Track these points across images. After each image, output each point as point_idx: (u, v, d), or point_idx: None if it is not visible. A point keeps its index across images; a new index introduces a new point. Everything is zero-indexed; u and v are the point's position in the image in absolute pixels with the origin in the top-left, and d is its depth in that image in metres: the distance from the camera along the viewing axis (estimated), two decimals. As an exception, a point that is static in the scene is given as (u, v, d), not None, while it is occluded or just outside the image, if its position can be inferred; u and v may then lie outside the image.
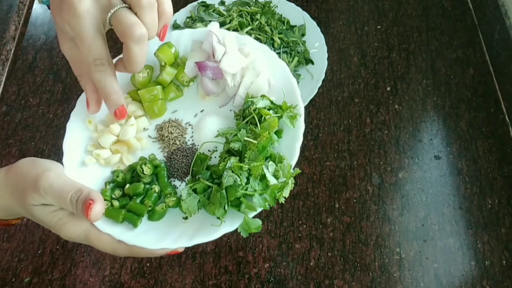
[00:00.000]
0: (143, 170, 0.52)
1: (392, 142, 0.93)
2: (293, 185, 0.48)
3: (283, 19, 0.99)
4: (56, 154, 0.92)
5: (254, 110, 0.52)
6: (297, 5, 1.01)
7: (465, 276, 0.79)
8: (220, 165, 0.49)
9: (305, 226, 0.84)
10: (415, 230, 0.83)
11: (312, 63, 0.94)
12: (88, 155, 0.54)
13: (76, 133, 0.54)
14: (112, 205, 0.50)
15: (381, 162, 0.90)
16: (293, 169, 0.49)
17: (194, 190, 0.50)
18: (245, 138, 0.49)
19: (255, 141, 0.49)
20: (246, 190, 0.47)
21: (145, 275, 0.80)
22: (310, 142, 0.93)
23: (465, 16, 1.10)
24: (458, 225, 0.84)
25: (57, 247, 0.84)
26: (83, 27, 0.43)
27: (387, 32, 1.08)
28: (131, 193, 0.51)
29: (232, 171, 0.47)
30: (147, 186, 0.52)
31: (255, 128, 0.51)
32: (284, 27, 0.97)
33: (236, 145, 0.50)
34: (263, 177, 0.48)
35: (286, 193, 0.48)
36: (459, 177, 0.89)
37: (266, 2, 1.00)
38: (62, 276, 0.81)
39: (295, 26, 0.99)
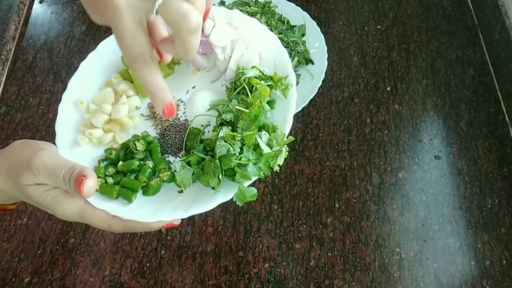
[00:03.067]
0: (136, 146, 0.52)
1: (392, 142, 0.93)
2: (287, 153, 0.48)
3: (283, 19, 0.99)
4: (56, 154, 0.93)
5: (244, 80, 0.51)
6: (297, 5, 1.01)
7: (465, 276, 0.79)
8: (213, 134, 0.49)
9: (305, 226, 0.84)
10: (415, 230, 0.83)
11: (312, 63, 0.94)
12: (80, 135, 0.54)
13: (68, 114, 0.54)
14: (106, 182, 0.50)
15: (381, 162, 0.90)
16: (287, 137, 0.49)
17: (188, 163, 0.50)
18: (237, 107, 0.49)
19: (246, 110, 0.49)
20: (240, 160, 0.47)
21: (145, 275, 0.80)
22: (310, 142, 0.93)
23: (465, 16, 1.10)
24: (458, 225, 0.84)
25: (57, 247, 0.84)
26: (123, 23, 0.38)
27: (387, 32, 1.08)
28: (125, 170, 0.51)
29: (225, 141, 0.47)
30: (141, 162, 0.52)
31: (246, 98, 0.50)
32: (284, 27, 0.97)
33: (228, 116, 0.50)
34: (256, 147, 0.48)
35: (280, 161, 0.48)
36: (459, 177, 0.89)
37: (266, 2, 1.00)
38: (62, 276, 0.81)
39: (295, 26, 0.98)
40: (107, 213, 0.47)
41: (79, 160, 0.49)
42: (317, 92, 0.91)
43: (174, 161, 0.53)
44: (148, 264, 0.81)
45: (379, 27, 1.09)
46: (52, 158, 0.46)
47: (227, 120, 0.50)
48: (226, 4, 1.02)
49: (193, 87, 0.58)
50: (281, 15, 1.00)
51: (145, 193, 0.50)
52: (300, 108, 0.87)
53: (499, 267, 0.80)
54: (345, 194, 0.87)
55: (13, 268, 0.82)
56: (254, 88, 0.51)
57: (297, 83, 0.91)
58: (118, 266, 0.81)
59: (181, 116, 0.56)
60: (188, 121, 0.56)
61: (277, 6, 1.00)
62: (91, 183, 0.44)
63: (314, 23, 0.98)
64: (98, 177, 0.49)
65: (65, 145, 0.51)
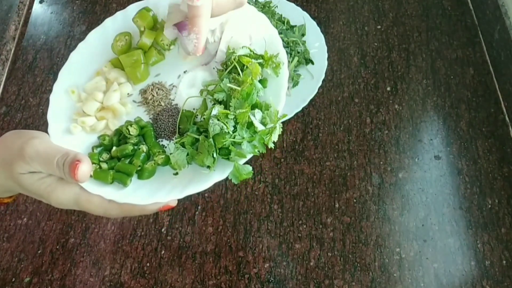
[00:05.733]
0: (129, 131, 0.52)
1: (392, 142, 0.93)
2: (281, 130, 0.49)
3: (283, 19, 0.99)
4: (56, 154, 0.93)
5: (235, 58, 0.52)
6: (297, 5, 1.01)
7: (465, 276, 0.79)
8: (206, 113, 0.49)
9: (305, 226, 0.84)
10: (415, 230, 0.83)
11: (312, 63, 0.94)
12: (73, 123, 0.54)
13: (60, 103, 0.55)
14: (100, 167, 0.50)
15: (381, 162, 0.90)
16: (280, 115, 0.49)
17: (182, 144, 0.50)
18: (228, 85, 0.50)
19: (238, 88, 0.49)
20: (234, 138, 0.47)
21: (145, 275, 0.80)
22: (310, 142, 0.93)
23: (465, 16, 1.10)
24: (458, 225, 0.84)
25: (57, 247, 0.84)
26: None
27: (387, 32, 1.08)
28: (119, 155, 0.51)
29: (218, 119, 0.47)
30: (135, 147, 0.52)
31: (237, 76, 0.51)
32: (284, 27, 0.97)
33: (220, 96, 0.50)
34: (250, 125, 0.48)
35: (274, 137, 0.48)
36: (459, 177, 0.89)
37: (266, 2, 1.00)
38: (62, 276, 0.81)
39: (295, 26, 0.98)
40: (102, 198, 0.47)
41: (73, 147, 0.49)
42: (317, 92, 0.91)
43: (168, 145, 0.53)
44: (148, 264, 0.81)
45: (379, 27, 1.09)
46: (45, 146, 0.46)
47: (219, 100, 0.51)
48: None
49: (184, 72, 0.58)
50: (281, 15, 0.99)
51: (140, 177, 0.50)
52: (300, 108, 0.87)
53: (499, 267, 0.80)
54: (345, 194, 0.87)
55: (13, 268, 0.82)
56: (245, 67, 0.52)
57: (297, 83, 0.91)
58: (118, 266, 0.81)
59: (173, 100, 0.57)
60: (177, 104, 0.56)
61: (277, 6, 1.00)
62: (86, 167, 0.44)
63: (314, 23, 0.98)
64: (93, 163, 0.49)
65: (57, 134, 0.51)
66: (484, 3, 1.07)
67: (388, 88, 1.00)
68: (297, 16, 0.99)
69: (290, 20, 1.00)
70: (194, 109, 0.55)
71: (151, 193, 0.47)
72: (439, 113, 0.97)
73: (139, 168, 0.50)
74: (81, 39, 0.58)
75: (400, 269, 0.80)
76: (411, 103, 0.98)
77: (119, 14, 0.59)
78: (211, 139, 0.47)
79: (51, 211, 0.87)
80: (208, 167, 0.47)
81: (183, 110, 0.54)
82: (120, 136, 0.53)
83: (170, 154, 0.49)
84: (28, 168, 0.45)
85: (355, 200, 0.86)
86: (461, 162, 0.90)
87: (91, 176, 0.48)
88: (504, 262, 0.80)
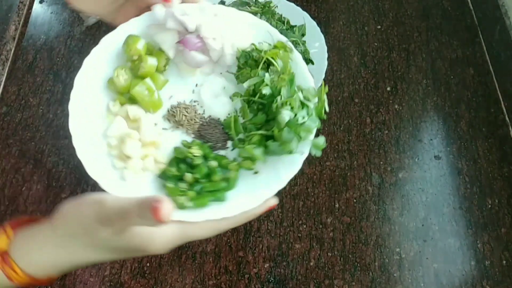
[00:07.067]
0: (193, 153, 0.51)
1: (392, 142, 0.93)
2: (325, 96, 0.53)
3: (283, 19, 0.99)
4: (56, 154, 0.92)
5: (264, 52, 0.54)
6: (297, 5, 1.01)
7: (465, 276, 0.79)
8: (273, 105, 0.52)
9: (305, 226, 0.84)
10: (415, 230, 0.83)
11: (312, 63, 0.94)
12: (118, 171, 0.51)
13: (92, 157, 0.50)
14: (189, 196, 0.49)
15: (381, 162, 0.90)
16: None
17: (256, 142, 0.52)
18: (271, 77, 0.53)
19: (285, 77, 0.52)
20: (297, 120, 0.51)
21: (145, 275, 0.80)
22: (310, 142, 0.93)
23: (465, 16, 1.10)
24: (458, 225, 0.84)
25: (57, 247, 0.84)
26: None
27: (387, 32, 1.08)
28: (198, 177, 0.50)
29: (290, 108, 0.51)
30: (206, 165, 0.51)
31: (274, 68, 0.54)
32: (284, 27, 0.97)
33: (266, 91, 0.53)
34: (303, 105, 0.52)
35: (326, 106, 0.53)
36: (459, 177, 0.89)
37: (266, 2, 1.00)
38: (62, 276, 0.81)
39: (295, 26, 0.98)
40: (211, 221, 0.46)
41: (136, 192, 0.48)
42: (317, 92, 0.91)
43: (226, 153, 0.54)
44: (148, 264, 0.81)
45: (379, 27, 1.09)
46: (117, 203, 0.43)
47: (266, 95, 0.53)
48: (226, 4, 1.02)
49: (196, 85, 0.58)
50: (281, 15, 0.99)
51: (228, 188, 0.50)
52: (300, 108, 0.87)
53: (499, 267, 0.80)
54: (345, 194, 0.87)
55: (13, 268, 0.82)
56: (267, 60, 0.54)
57: (297, 83, 0.91)
58: (118, 266, 0.81)
59: (204, 114, 0.57)
60: (211, 115, 0.56)
61: (277, 6, 1.00)
62: (166, 205, 0.39)
63: (314, 23, 0.98)
64: (179, 195, 0.48)
65: (112, 185, 0.48)
66: (484, 3, 1.07)
67: (388, 88, 1.00)
68: (297, 16, 0.99)
69: (290, 20, 1.00)
70: (229, 114, 0.56)
71: (256, 194, 0.49)
72: (439, 113, 0.97)
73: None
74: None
75: (400, 269, 0.80)
76: (411, 103, 0.98)
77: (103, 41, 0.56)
78: (286, 128, 0.50)
79: (51, 210, 0.87)
80: (290, 152, 0.50)
81: (220, 120, 0.56)
82: (181, 163, 0.51)
83: (246, 156, 0.51)
84: (110, 231, 0.43)
85: (355, 200, 0.86)
86: (461, 162, 0.90)
87: (190, 206, 0.47)
88: (504, 262, 0.80)
